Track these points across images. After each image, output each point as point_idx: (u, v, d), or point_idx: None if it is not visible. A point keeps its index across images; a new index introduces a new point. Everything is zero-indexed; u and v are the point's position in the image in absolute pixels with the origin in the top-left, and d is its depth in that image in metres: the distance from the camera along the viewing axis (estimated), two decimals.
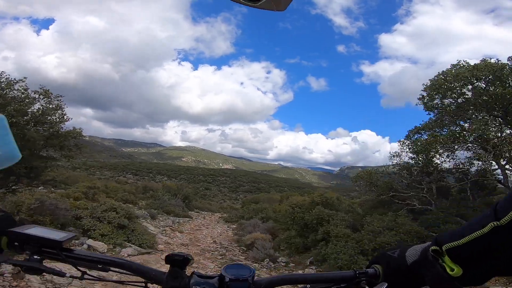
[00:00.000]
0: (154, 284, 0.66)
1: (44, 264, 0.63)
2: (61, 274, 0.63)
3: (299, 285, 0.69)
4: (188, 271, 0.64)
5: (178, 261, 0.61)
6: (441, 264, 0.55)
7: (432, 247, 0.57)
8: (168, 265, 0.62)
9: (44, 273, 0.62)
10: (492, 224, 0.50)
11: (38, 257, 0.63)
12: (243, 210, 17.97)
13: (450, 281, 0.54)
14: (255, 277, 0.63)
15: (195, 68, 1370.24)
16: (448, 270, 0.54)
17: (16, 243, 0.63)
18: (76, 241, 6.19)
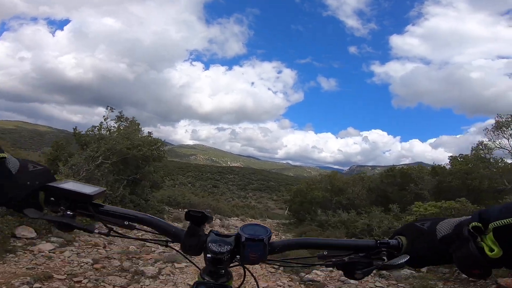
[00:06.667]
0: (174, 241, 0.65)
1: (75, 220, 0.62)
2: (90, 230, 0.62)
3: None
4: (207, 229, 0.63)
5: (196, 218, 0.60)
6: (477, 243, 0.48)
7: (474, 223, 0.49)
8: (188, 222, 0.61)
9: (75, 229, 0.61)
10: None
11: (71, 213, 0.63)
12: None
13: (481, 262, 0.48)
14: (271, 239, 0.62)
15: (207, 68, 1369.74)
16: (486, 250, 0.47)
17: (52, 198, 0.63)
18: None
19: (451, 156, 14.62)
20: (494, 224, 0.46)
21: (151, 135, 11.18)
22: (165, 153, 11.56)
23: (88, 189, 0.64)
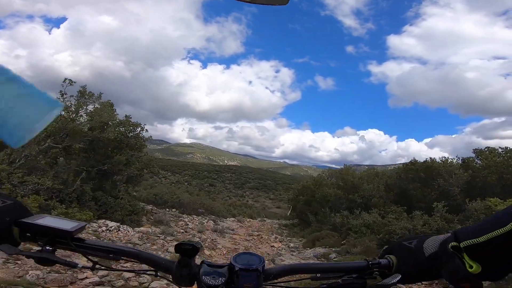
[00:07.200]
0: (164, 273, 0.63)
1: (56, 254, 0.60)
2: (73, 265, 0.61)
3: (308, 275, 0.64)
4: (198, 260, 0.62)
5: (187, 250, 0.59)
6: (461, 259, 0.51)
7: (452, 243, 0.52)
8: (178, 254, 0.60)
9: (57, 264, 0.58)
10: None
11: (50, 248, 0.60)
12: None
13: (469, 277, 0.50)
14: (265, 266, 0.61)
15: (204, 66, 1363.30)
16: (467, 266, 0.50)
17: (28, 234, 0.60)
18: None
19: (476, 149, 12.99)
20: (464, 243, 0.49)
21: (130, 118, 9.09)
22: (145, 140, 9.49)
23: (67, 224, 0.61)
